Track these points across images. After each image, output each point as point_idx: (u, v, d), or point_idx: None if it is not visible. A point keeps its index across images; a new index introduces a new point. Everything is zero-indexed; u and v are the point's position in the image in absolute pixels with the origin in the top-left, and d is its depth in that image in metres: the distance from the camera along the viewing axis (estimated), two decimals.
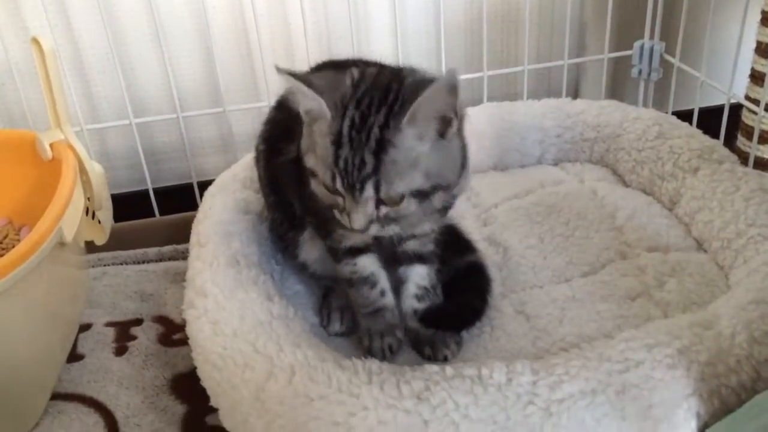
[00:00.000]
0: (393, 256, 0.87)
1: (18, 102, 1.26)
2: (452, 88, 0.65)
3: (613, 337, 0.79)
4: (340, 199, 0.70)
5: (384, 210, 0.69)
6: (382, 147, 0.66)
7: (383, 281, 0.86)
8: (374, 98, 0.68)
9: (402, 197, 0.68)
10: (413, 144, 0.67)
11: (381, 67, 0.75)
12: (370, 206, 0.69)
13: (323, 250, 0.88)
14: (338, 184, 0.68)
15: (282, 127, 0.86)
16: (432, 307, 0.86)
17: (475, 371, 0.72)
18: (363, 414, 0.69)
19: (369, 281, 0.84)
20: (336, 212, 0.72)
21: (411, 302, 0.87)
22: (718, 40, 1.31)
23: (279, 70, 0.67)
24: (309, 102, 0.68)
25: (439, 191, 0.70)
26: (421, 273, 0.87)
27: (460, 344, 0.86)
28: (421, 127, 0.67)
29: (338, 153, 0.67)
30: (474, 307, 0.89)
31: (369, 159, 0.66)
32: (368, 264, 0.84)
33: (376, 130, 0.66)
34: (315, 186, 0.71)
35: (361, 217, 0.69)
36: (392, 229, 0.71)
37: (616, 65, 1.44)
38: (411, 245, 0.86)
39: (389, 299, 0.86)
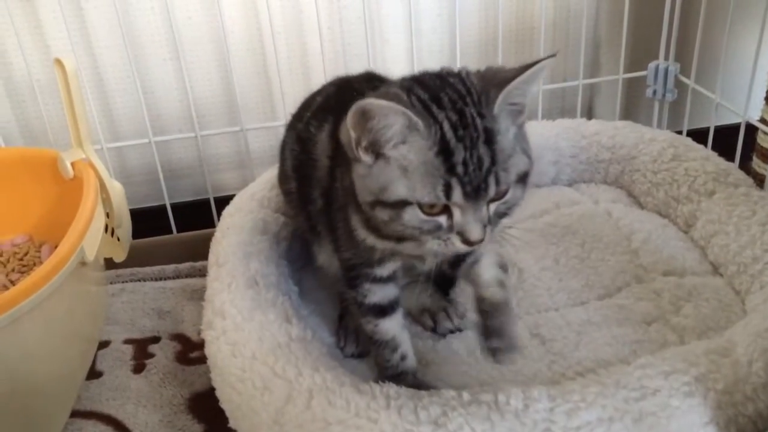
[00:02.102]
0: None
1: (39, 118, 1.28)
2: (539, 74, 0.63)
3: (629, 363, 0.80)
4: (443, 220, 0.64)
5: (493, 207, 0.65)
6: (490, 137, 0.62)
7: (405, 345, 0.83)
8: (451, 95, 0.63)
9: (509, 186, 0.65)
10: (508, 127, 0.64)
11: (415, 75, 0.70)
12: (485, 208, 0.64)
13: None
14: (456, 195, 0.62)
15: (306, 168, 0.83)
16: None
17: (491, 397, 0.72)
18: None
19: (390, 345, 0.82)
20: (431, 242, 0.65)
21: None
22: (733, 61, 1.31)
23: (358, 105, 0.60)
24: (391, 120, 0.61)
25: (530, 173, 0.67)
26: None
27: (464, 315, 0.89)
28: (507, 111, 0.64)
29: (452, 160, 0.61)
30: None
31: (485, 152, 0.62)
32: (390, 328, 0.82)
33: (479, 122, 0.62)
34: (407, 218, 0.64)
35: (479, 225, 0.63)
36: (497, 231, 0.67)
37: (630, 85, 1.45)
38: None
39: (410, 363, 0.83)
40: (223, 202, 1.15)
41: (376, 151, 0.64)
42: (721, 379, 0.73)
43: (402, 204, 0.63)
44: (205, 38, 1.30)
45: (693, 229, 1.07)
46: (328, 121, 0.79)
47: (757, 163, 1.23)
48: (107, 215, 1.07)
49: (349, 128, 0.63)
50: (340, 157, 0.72)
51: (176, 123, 1.35)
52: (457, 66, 0.75)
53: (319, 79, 1.35)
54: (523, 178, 0.66)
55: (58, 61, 1.01)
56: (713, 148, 1.19)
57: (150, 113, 1.28)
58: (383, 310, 0.81)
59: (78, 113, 1.03)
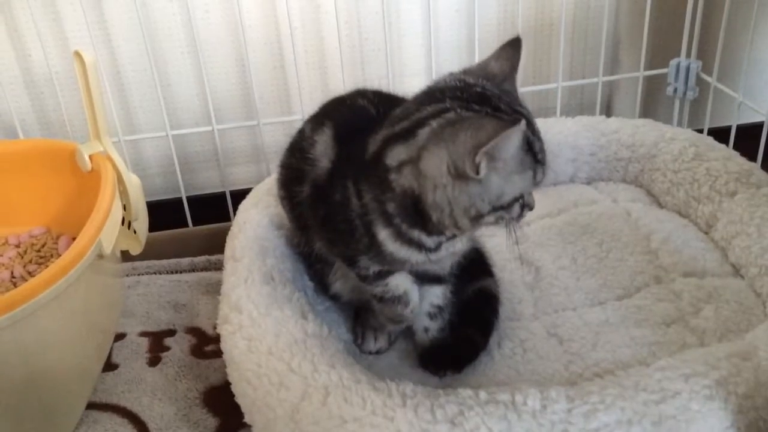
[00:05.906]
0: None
1: (57, 111, 1.28)
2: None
3: (648, 364, 0.79)
4: (516, 208, 0.71)
5: None
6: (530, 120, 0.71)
7: (415, 299, 0.86)
8: (499, 99, 0.71)
9: None
10: None
11: (438, 88, 0.74)
12: None
13: (354, 281, 0.88)
14: (539, 178, 0.71)
15: (295, 171, 0.86)
16: (432, 347, 0.88)
17: (509, 397, 0.72)
18: None
19: (402, 300, 0.85)
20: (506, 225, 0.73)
21: (423, 320, 0.88)
22: (756, 59, 1.29)
23: (511, 131, 0.64)
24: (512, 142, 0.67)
25: None
26: (437, 293, 0.88)
27: None
28: None
29: (534, 150, 0.70)
30: (474, 342, 0.89)
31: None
32: (401, 283, 0.84)
33: (525, 112, 0.72)
34: (516, 211, 0.71)
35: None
36: None
37: (649, 82, 1.43)
38: (433, 267, 0.85)
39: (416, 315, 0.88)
40: (239, 196, 1.15)
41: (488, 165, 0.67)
42: (742, 383, 0.72)
43: (514, 201, 0.70)
44: (222, 32, 1.29)
45: (713, 229, 1.06)
46: (326, 125, 0.82)
47: None
48: (124, 208, 1.07)
49: (468, 154, 0.65)
50: (357, 174, 0.74)
51: (193, 116, 1.35)
52: (475, 62, 0.77)
53: (336, 74, 1.36)
54: None
55: (77, 54, 1.01)
56: (735, 147, 1.18)
57: (167, 106, 1.28)
58: (388, 271, 0.83)
59: (96, 106, 1.03)
